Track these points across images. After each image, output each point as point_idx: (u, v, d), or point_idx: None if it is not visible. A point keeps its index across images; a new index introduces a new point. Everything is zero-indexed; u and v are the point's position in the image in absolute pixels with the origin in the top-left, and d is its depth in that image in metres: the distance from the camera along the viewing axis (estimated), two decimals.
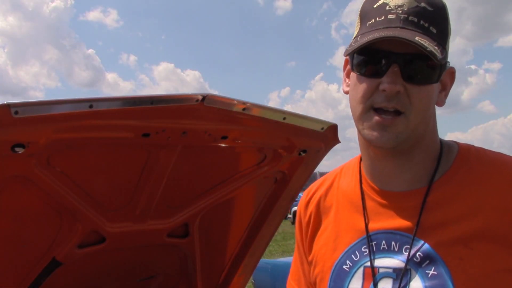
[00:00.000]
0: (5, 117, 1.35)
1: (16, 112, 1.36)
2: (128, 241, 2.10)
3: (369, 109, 1.02)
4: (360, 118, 1.04)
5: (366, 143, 1.10)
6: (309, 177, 2.36)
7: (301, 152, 2.14)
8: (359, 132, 1.08)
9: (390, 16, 0.99)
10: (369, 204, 1.13)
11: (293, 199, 2.44)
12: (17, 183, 1.62)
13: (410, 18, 0.98)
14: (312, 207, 1.25)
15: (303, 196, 1.31)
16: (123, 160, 1.81)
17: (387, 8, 1.00)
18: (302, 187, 2.42)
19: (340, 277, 1.10)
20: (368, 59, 1.02)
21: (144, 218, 2.02)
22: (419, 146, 1.07)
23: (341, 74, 1.18)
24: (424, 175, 1.08)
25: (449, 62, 1.05)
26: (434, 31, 0.99)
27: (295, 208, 18.53)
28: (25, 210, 1.75)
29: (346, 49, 1.04)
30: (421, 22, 0.98)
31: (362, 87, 1.03)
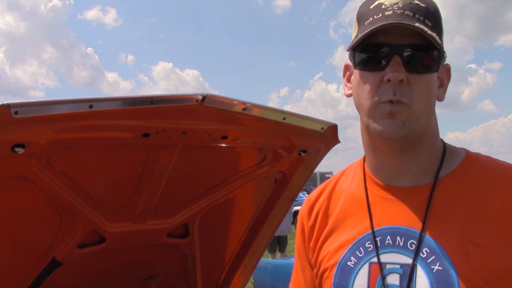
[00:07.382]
0: (5, 117, 1.35)
1: (16, 112, 1.36)
2: (128, 241, 2.10)
3: (378, 104, 1.04)
4: (369, 113, 1.05)
5: (373, 139, 1.11)
6: (309, 177, 2.36)
7: (301, 152, 2.14)
8: (366, 128, 1.09)
9: (387, 13, 1.02)
10: (374, 200, 1.13)
11: (293, 199, 2.44)
12: (17, 183, 1.62)
13: (406, 12, 1.02)
14: (316, 211, 1.25)
15: (303, 204, 1.30)
16: (123, 160, 1.81)
17: (383, 6, 1.04)
18: (302, 187, 2.42)
19: (344, 274, 1.10)
20: (370, 53, 1.05)
21: (144, 218, 2.02)
22: (423, 141, 1.09)
23: (340, 74, 1.19)
24: (429, 171, 1.09)
25: (445, 57, 1.08)
26: (430, 24, 1.02)
27: (295, 208, 18.51)
28: (25, 210, 1.75)
29: (348, 46, 1.07)
30: (417, 15, 1.02)
31: (367, 83, 1.05)
